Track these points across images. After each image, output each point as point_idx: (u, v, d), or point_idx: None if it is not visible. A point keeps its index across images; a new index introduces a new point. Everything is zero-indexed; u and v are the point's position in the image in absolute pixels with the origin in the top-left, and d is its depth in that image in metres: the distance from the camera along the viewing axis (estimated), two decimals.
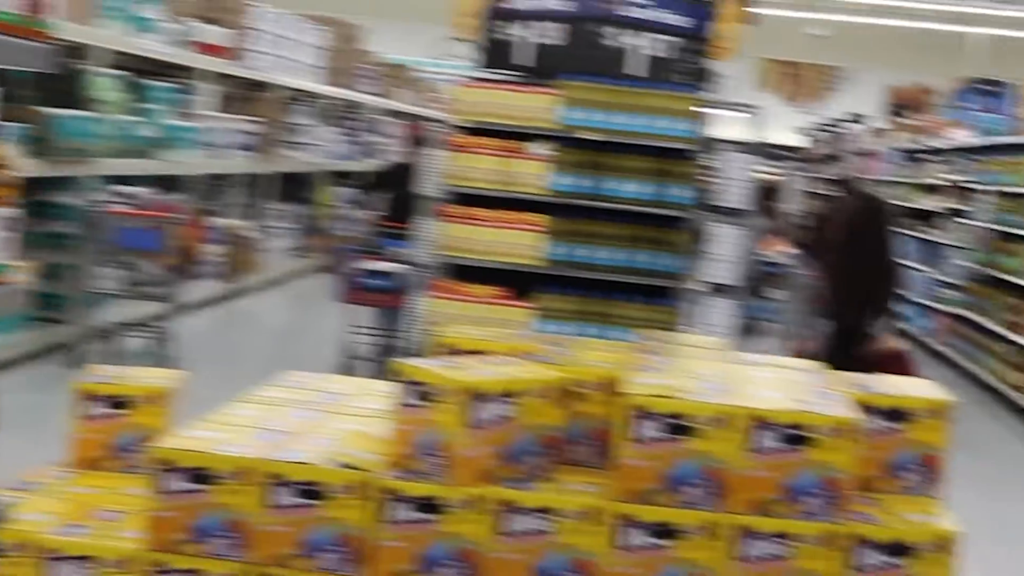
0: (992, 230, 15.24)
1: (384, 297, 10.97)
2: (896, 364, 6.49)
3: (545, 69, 9.30)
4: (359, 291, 10.95)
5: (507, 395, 3.51)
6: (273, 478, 3.53)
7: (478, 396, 3.45)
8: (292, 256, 18.17)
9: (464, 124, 9.10)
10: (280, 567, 3.56)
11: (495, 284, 9.07)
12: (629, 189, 8.94)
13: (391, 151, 19.49)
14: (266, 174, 16.74)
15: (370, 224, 12.15)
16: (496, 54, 9.39)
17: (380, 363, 10.94)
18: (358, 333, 11.43)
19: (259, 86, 16.37)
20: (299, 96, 18.13)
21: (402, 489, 3.52)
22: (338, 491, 3.52)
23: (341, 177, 19.37)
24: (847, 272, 6.91)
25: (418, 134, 13.13)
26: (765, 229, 17.71)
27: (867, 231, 6.95)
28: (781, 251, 17.14)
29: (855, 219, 7.09)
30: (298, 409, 4.07)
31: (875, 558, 3.48)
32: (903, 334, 7.21)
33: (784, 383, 3.82)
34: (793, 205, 24.69)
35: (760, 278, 16.64)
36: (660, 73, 9.22)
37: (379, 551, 3.54)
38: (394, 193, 12.30)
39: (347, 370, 10.57)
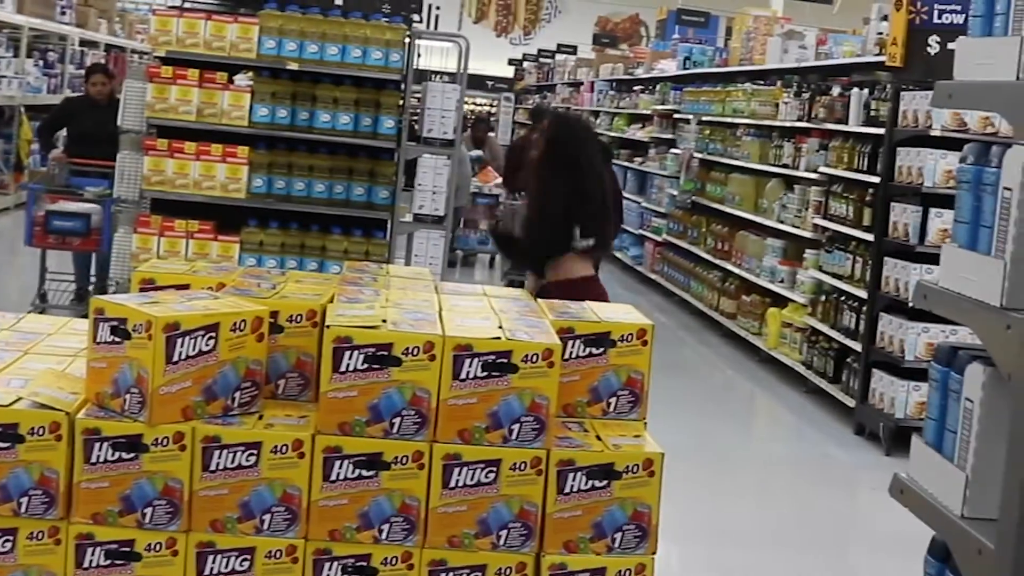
0: (698, 159, 15.60)
1: (74, 239, 10.44)
2: (587, 290, 6.57)
3: None
4: (47, 233, 10.40)
5: (206, 329, 3.43)
6: None
7: (175, 331, 3.37)
8: None
9: (165, 55, 8.92)
10: None
11: (204, 218, 8.94)
12: (334, 120, 8.89)
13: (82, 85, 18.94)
14: None
15: (60, 162, 11.60)
16: None
17: (76, 307, 10.62)
18: (52, 277, 11.07)
19: None
20: None
21: (101, 428, 3.42)
22: (34, 432, 3.40)
23: (42, 111, 18.79)
24: (541, 198, 6.94)
25: (105, 66, 12.69)
26: (477, 160, 17.82)
27: (558, 155, 6.99)
28: (494, 182, 17.28)
29: (548, 145, 7.13)
30: None
31: (582, 482, 3.52)
32: (600, 259, 7.28)
33: (489, 312, 3.83)
34: (504, 136, 24.86)
35: (473, 209, 16.76)
36: (368, 3, 9.17)
37: (81, 493, 3.43)
38: (77, 129, 11.80)
39: (41, 313, 10.24)
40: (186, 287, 3.89)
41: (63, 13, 20.16)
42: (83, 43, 21.46)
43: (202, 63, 8.92)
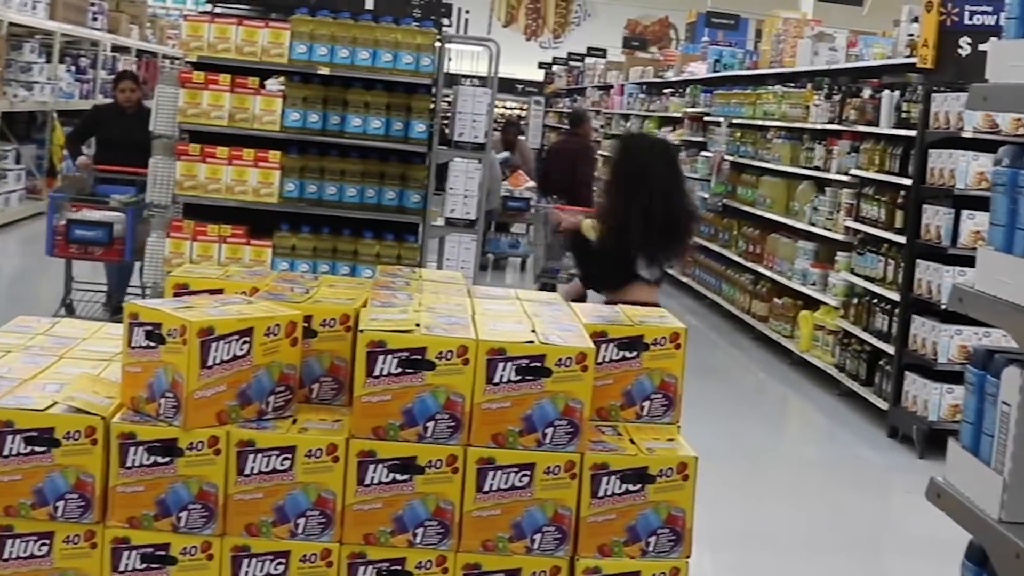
0: (729, 162, 15.56)
1: (96, 249, 10.21)
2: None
3: (281, 2, 9.20)
4: (68, 243, 10.19)
5: (240, 334, 3.44)
6: (2, 425, 3.41)
7: (210, 335, 3.38)
8: (24, 198, 17.65)
9: (196, 60, 8.93)
10: (13, 517, 3.44)
11: (236, 223, 8.96)
12: (365, 125, 8.89)
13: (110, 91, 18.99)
14: None
15: (86, 168, 11.43)
16: None
17: (104, 316, 10.52)
18: (78, 287, 10.97)
19: None
20: (27, 33, 17.56)
21: (136, 432, 3.43)
22: (70, 437, 3.42)
23: (74, 117, 18.86)
24: (613, 220, 6.84)
25: (133, 73, 12.62)
26: (508, 164, 17.82)
27: (627, 176, 6.91)
28: (525, 186, 17.28)
29: (617, 165, 7.05)
30: (27, 354, 3.94)
31: (616, 486, 3.51)
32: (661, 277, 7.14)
33: (522, 316, 3.83)
34: (535, 140, 24.84)
35: (505, 213, 16.75)
36: (398, 7, 9.17)
37: (116, 497, 3.45)
38: (105, 136, 11.70)
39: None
40: (220, 292, 3.90)
41: (95, 19, 20.25)
42: (115, 49, 21.54)
43: (233, 68, 8.94)
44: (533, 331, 3.58)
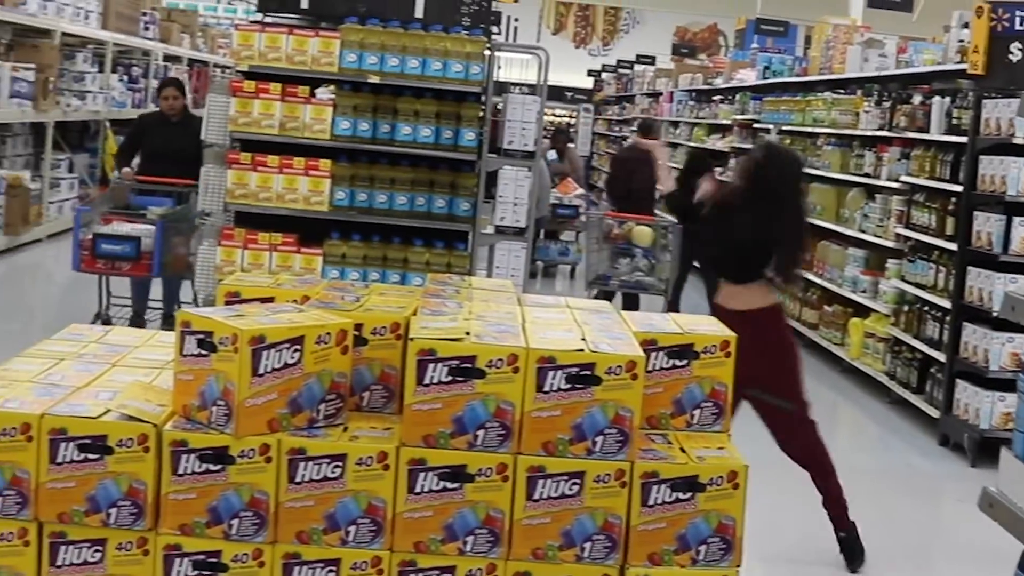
0: None
1: (124, 264, 9.92)
2: (775, 318, 6.87)
3: (331, 11, 9.23)
4: (94, 258, 9.91)
5: (291, 342, 3.46)
6: (56, 433, 3.44)
7: (261, 344, 3.40)
8: (77, 206, 17.74)
9: (247, 69, 8.95)
10: (67, 524, 3.48)
11: (287, 231, 8.99)
12: (415, 133, 8.90)
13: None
14: (47, 123, 16.25)
15: (127, 179, 11.04)
16: None
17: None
18: (115, 302, 10.85)
19: (37, 32, 15.90)
20: (80, 43, 17.68)
21: (188, 440, 3.46)
22: (123, 444, 3.44)
23: (126, 125, 18.96)
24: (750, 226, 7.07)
25: (177, 79, 12.46)
26: (558, 172, 17.82)
27: (768, 182, 7.13)
28: (575, 193, 17.27)
29: (760, 172, 7.25)
30: (80, 362, 3.97)
31: (666, 494, 3.51)
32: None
33: (572, 324, 3.83)
34: (584, 147, 24.84)
35: (554, 220, 16.74)
36: (448, 16, 9.18)
37: (168, 504, 3.47)
38: (149, 146, 11.33)
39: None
40: (271, 300, 3.92)
41: (147, 28, 20.36)
42: (166, 58, 21.65)
43: (284, 77, 8.96)
44: (583, 339, 3.59)
